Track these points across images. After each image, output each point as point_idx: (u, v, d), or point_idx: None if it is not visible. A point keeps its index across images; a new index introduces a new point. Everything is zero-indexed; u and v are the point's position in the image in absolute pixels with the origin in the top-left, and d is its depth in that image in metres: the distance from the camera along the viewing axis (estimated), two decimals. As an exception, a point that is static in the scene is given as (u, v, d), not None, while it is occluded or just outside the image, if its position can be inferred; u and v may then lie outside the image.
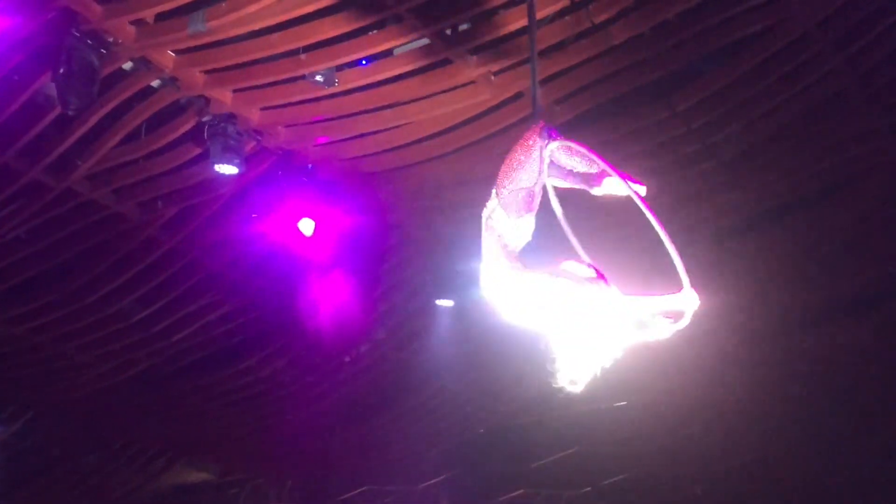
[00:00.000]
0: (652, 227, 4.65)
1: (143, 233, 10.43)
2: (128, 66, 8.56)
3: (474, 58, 8.76)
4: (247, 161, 9.27)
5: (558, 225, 4.80)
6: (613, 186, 4.96)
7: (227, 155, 9.05)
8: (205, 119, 9.03)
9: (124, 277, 10.92)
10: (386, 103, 9.28)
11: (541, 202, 4.96)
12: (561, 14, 8.46)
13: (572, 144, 4.95)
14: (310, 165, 9.83)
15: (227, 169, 9.15)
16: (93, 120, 8.87)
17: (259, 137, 9.43)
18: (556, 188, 4.94)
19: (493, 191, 4.92)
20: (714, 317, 4.89)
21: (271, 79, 8.91)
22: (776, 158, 10.57)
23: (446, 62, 8.82)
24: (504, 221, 4.87)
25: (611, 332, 4.67)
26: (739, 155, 10.39)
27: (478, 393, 14.51)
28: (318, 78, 8.70)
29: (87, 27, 7.88)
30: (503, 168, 4.92)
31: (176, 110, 9.15)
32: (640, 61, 9.07)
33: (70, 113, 8.28)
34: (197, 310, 11.75)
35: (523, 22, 8.22)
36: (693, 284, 4.71)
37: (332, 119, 9.43)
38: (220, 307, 11.79)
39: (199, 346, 12.42)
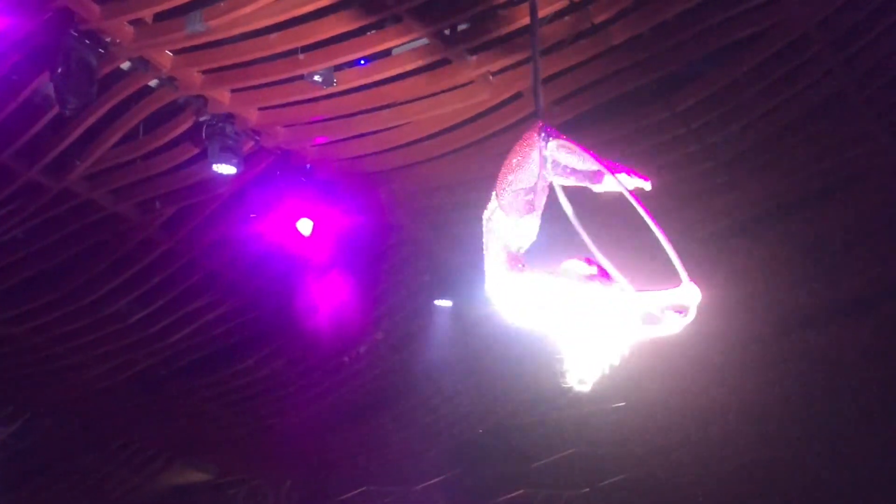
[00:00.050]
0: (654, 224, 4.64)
1: (141, 233, 10.42)
2: (126, 65, 8.54)
3: (473, 58, 8.75)
4: (245, 161, 9.27)
5: (566, 223, 4.78)
6: (615, 183, 4.96)
7: (226, 155, 9.04)
8: (203, 119, 9.03)
9: (122, 277, 10.90)
10: (384, 103, 9.27)
11: (547, 201, 4.95)
12: (560, 14, 8.45)
13: (571, 144, 4.95)
14: (308, 165, 9.83)
15: (226, 169, 9.15)
16: (91, 120, 8.85)
17: (257, 137, 9.43)
18: (562, 187, 4.94)
19: (493, 192, 4.90)
20: (714, 317, 4.86)
21: (269, 79, 8.90)
22: (776, 159, 10.57)
23: (445, 62, 8.81)
24: (504, 222, 4.86)
25: (615, 330, 4.65)
26: (739, 155, 10.39)
27: (477, 393, 14.51)
28: (317, 78, 8.69)
29: (86, 27, 7.86)
30: (503, 169, 4.92)
31: (174, 110, 9.13)
32: (640, 62, 9.06)
33: (68, 113, 8.25)
34: (195, 310, 11.73)
35: (523, 22, 8.22)
36: (692, 282, 4.69)
37: (331, 119, 9.42)
38: (218, 307, 11.77)
39: (198, 347, 12.39)
